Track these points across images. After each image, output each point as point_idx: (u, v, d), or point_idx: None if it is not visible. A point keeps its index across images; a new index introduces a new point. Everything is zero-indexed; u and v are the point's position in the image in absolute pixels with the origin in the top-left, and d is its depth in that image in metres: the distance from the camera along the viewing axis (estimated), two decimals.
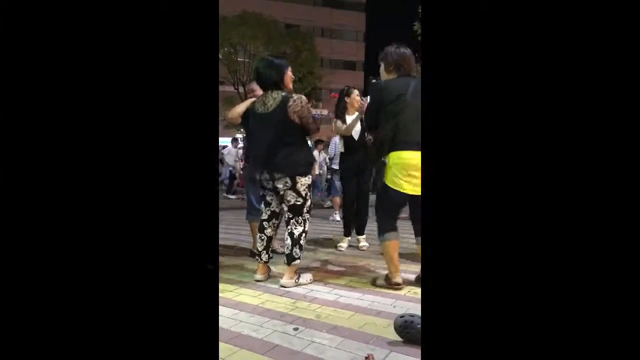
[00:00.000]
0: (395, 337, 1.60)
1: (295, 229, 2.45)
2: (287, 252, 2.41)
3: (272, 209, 2.56)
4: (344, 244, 3.50)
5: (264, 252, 2.52)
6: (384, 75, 2.40)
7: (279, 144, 2.39)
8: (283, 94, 2.40)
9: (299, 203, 2.44)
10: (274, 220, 2.58)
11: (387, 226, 2.32)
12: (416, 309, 1.86)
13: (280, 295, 2.20)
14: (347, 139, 3.42)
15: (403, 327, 1.57)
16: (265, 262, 2.53)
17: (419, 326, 1.52)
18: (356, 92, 3.46)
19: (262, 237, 2.54)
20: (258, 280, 2.47)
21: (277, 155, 2.38)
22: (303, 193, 2.44)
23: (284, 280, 2.38)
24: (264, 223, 2.55)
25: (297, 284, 2.39)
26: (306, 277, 2.48)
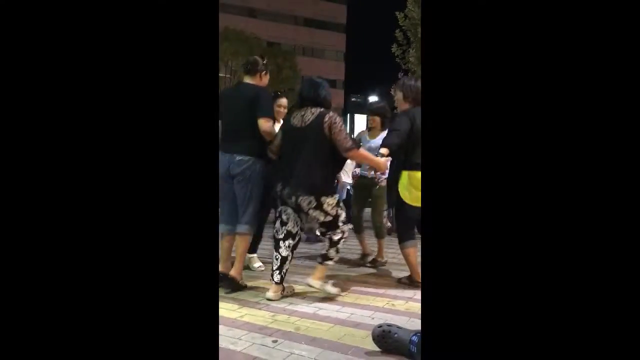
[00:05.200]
0: (374, 347, 1.62)
1: (334, 235, 2.45)
2: (323, 252, 2.47)
3: (287, 229, 2.48)
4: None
5: (277, 272, 2.42)
6: (400, 102, 2.79)
7: (307, 159, 2.35)
8: (321, 109, 2.41)
9: (329, 220, 2.44)
10: (290, 241, 2.48)
11: (405, 235, 2.73)
12: (395, 321, 1.88)
13: (259, 309, 2.19)
14: None
15: (381, 336, 1.59)
16: (277, 283, 2.42)
17: (396, 335, 1.55)
18: (284, 101, 3.27)
19: (277, 257, 2.45)
20: (269, 299, 2.36)
21: (301, 172, 2.35)
22: (332, 212, 2.41)
23: (312, 280, 2.38)
24: (279, 242, 2.48)
25: (321, 288, 2.39)
26: (334, 289, 2.43)
